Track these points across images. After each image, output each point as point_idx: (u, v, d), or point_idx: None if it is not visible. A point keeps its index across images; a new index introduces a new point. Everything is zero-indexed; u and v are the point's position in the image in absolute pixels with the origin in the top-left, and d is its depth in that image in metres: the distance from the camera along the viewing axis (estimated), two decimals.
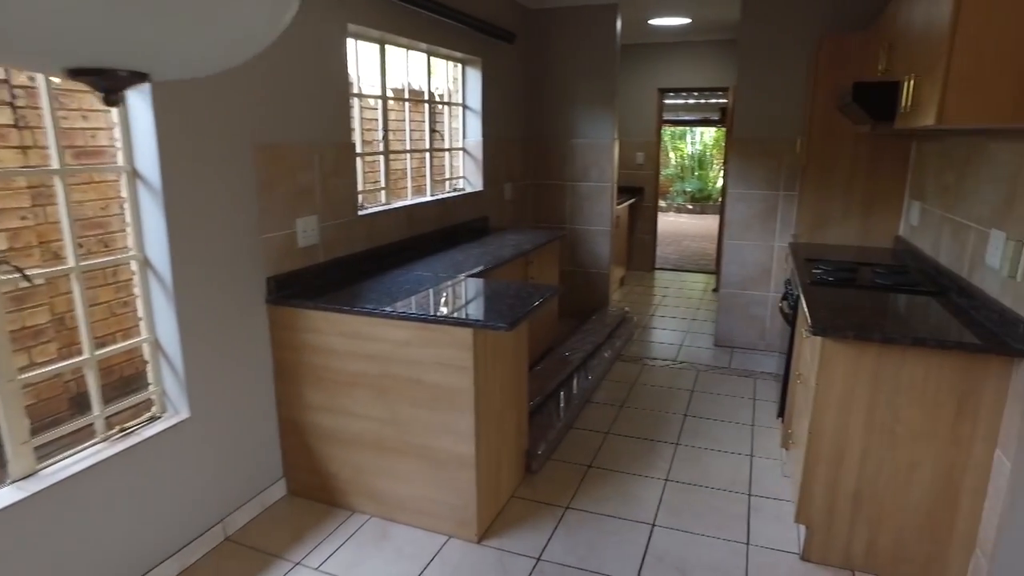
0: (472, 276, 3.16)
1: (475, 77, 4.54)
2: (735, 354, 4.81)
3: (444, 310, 2.56)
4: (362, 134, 3.49)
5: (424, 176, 4.21)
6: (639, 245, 7.70)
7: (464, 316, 2.43)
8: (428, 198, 4.14)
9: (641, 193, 7.51)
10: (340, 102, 3.06)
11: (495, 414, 2.66)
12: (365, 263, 3.27)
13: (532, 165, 5.49)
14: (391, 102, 3.80)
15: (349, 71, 3.13)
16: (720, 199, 9.79)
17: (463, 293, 2.83)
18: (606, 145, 5.24)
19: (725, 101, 10.80)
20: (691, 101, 10.84)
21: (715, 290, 6.70)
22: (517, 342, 2.85)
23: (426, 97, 4.12)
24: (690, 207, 15.63)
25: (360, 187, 3.51)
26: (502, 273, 3.58)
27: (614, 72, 5.13)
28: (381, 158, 3.70)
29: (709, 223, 14.07)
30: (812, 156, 3.92)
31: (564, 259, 5.57)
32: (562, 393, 3.87)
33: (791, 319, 3.10)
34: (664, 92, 7.46)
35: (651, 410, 3.83)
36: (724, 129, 15.54)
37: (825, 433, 2.35)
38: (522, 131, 5.31)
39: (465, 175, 4.67)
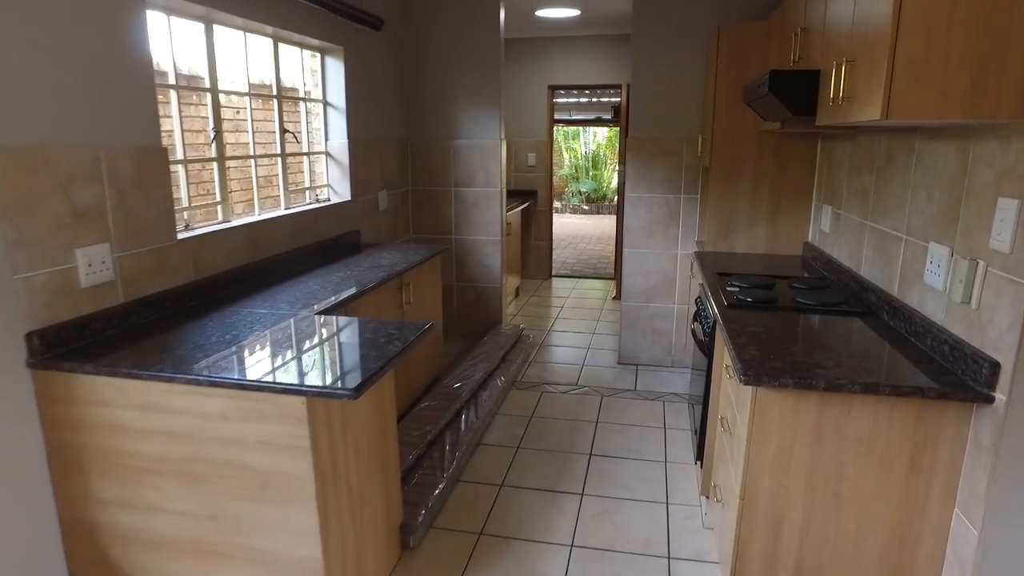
0: (327, 311, 2.55)
1: (337, 69, 3.89)
2: (641, 373, 4.42)
3: (273, 369, 1.93)
4: (183, 136, 2.78)
5: (278, 186, 3.53)
6: (534, 251, 7.27)
7: (296, 379, 1.82)
8: (282, 212, 3.47)
9: (534, 196, 7.07)
10: (141, 93, 2.36)
11: (350, 497, 2.06)
12: (189, 300, 2.58)
13: (411, 170, 4.90)
14: (236, 99, 3.10)
15: (154, 54, 2.42)
16: (616, 199, 9.54)
17: (306, 339, 2.21)
18: (493, 146, 4.73)
19: (619, 100, 10.65)
20: (583, 100, 10.56)
21: (615, 297, 6.37)
22: (380, 395, 2.27)
23: (274, 91, 3.44)
24: (586, 207, 15.50)
25: (185, 203, 2.80)
26: (369, 303, 2.98)
27: (498, 66, 4.62)
28: (215, 166, 3.00)
29: (605, 223, 13.97)
30: (715, 156, 3.57)
31: (451, 274, 5.01)
32: (448, 436, 3.31)
33: (707, 347, 2.69)
34: (555, 89, 7.06)
35: (552, 450, 3.34)
36: (618, 128, 15.55)
37: (760, 498, 1.92)
38: (398, 131, 4.71)
39: (330, 183, 4.02)
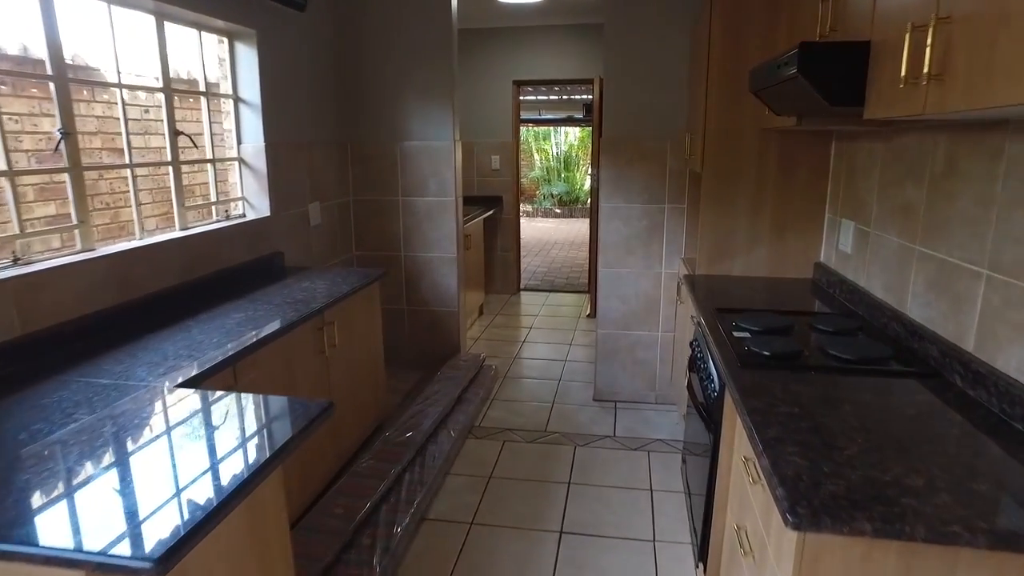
0: (202, 376, 1.86)
1: (249, 57, 3.20)
2: (620, 413, 3.79)
3: (42, 512, 1.23)
4: (2, 138, 2.08)
5: (171, 201, 2.82)
6: (500, 264, 6.61)
7: (71, 542, 1.12)
8: (176, 234, 2.77)
9: (499, 203, 6.42)
10: None
11: None
12: (3, 366, 1.88)
13: (352, 177, 4.22)
14: (114, 92, 2.40)
15: None
16: (589, 202, 8.93)
17: (131, 441, 1.51)
18: (446, 149, 4.07)
19: (591, 97, 10.03)
20: (553, 97, 9.93)
21: (590, 315, 5.74)
22: (253, 512, 1.59)
23: (160, 84, 2.74)
24: (558, 211, 14.89)
25: (15, 228, 2.10)
26: (274, 355, 2.30)
27: (451, 57, 3.96)
28: (67, 178, 2.29)
29: (578, 227, 13.38)
30: (707, 160, 2.95)
31: (400, 297, 4.34)
32: (383, 513, 2.64)
33: (709, 415, 2.06)
34: (521, 85, 6.41)
35: (513, 527, 2.69)
36: (591, 128, 14.95)
37: None
38: (334, 133, 4.02)
39: (245, 196, 3.32)
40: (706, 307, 2.46)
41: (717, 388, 1.98)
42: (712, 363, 2.08)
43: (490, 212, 6.03)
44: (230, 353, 2.04)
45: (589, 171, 5.40)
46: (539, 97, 9.90)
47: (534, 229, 12.63)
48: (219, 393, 1.73)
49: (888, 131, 2.21)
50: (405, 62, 3.98)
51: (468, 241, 5.09)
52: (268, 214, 3.30)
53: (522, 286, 6.96)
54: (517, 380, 4.33)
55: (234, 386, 2.05)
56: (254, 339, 2.18)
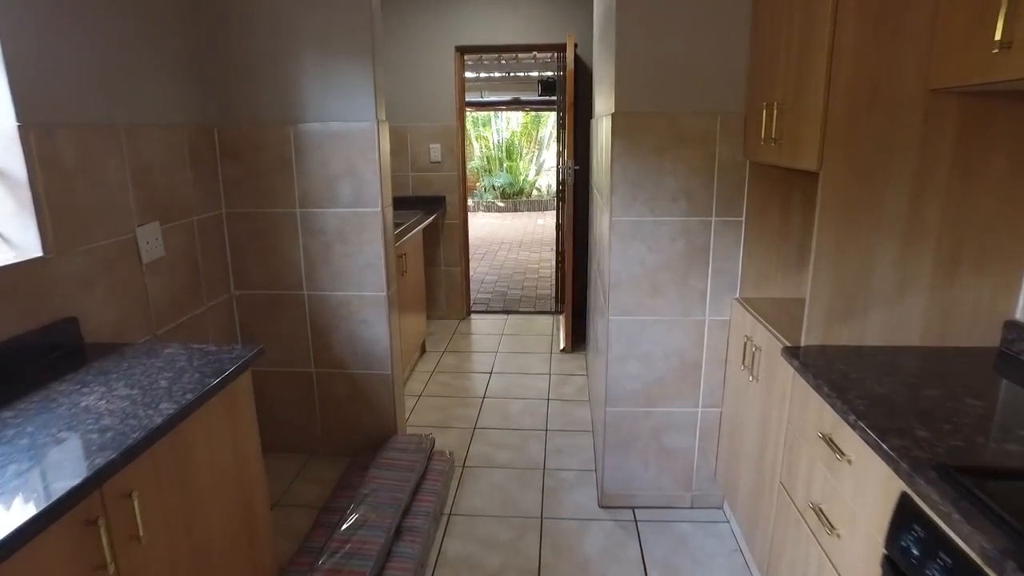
0: None
1: None
2: (646, 532, 2.50)
3: None
4: None
5: None
6: (445, 282, 5.22)
7: None
8: None
9: (442, 204, 5.02)
10: None
11: None
12: None
13: (222, 179, 2.76)
14: None
15: None
16: (556, 199, 7.48)
17: None
18: (365, 133, 2.66)
19: (551, 75, 8.60)
20: (498, 75, 8.53)
21: (566, 349, 4.45)
22: None
23: None
24: (501, 204, 13.56)
25: None
26: None
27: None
28: None
29: (524, 223, 12.12)
30: (833, 145, 1.65)
31: (305, 357, 2.93)
32: None
33: None
34: (466, 53, 5.02)
35: None
36: (537, 113, 13.56)
37: None
38: (182, 108, 2.55)
39: None
40: (916, 464, 1.17)
41: None
42: None
43: (431, 218, 4.63)
44: None
45: (564, 163, 4.06)
46: (481, 75, 8.50)
47: (477, 226, 11.27)
48: None
49: None
50: (297, 3, 2.55)
51: (403, 263, 3.69)
52: (40, 254, 1.82)
53: (472, 307, 5.59)
54: (482, 472, 2.98)
55: None
56: None
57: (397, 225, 3.65)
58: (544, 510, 2.66)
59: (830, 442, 1.49)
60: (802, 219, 2.31)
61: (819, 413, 1.58)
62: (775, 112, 1.91)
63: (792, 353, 1.75)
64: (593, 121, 3.89)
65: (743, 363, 2.21)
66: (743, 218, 2.33)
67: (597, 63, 3.40)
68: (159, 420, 1.37)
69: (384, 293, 2.83)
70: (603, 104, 2.88)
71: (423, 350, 4.51)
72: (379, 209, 2.73)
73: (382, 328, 2.87)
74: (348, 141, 2.67)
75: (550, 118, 13.97)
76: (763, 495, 2.01)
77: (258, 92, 2.67)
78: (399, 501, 2.50)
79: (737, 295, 2.39)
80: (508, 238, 10.34)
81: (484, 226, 11.48)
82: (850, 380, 1.54)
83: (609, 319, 2.46)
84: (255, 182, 2.76)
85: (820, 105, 1.64)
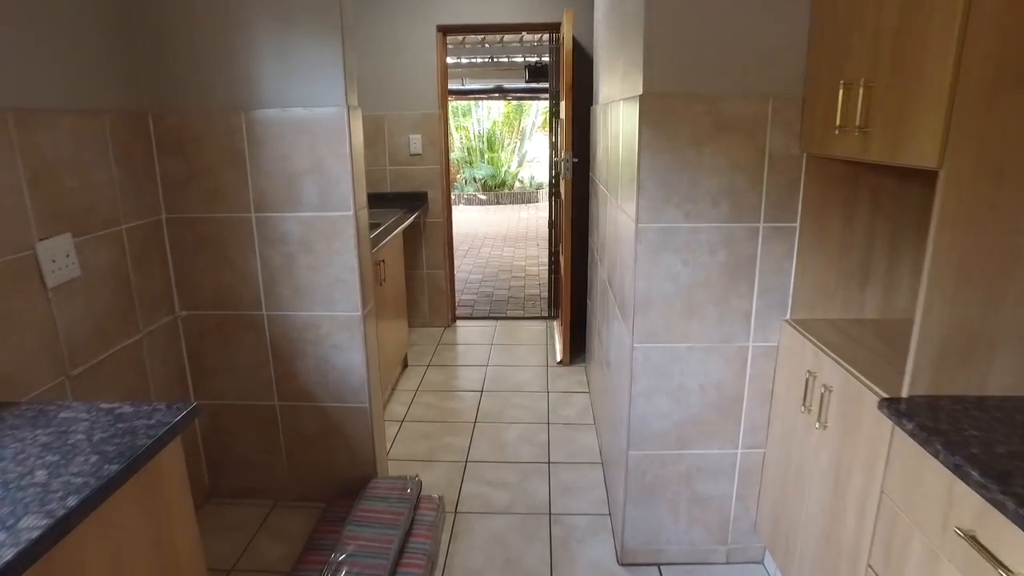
0: None
1: None
2: None
3: None
4: None
5: None
6: (428, 286, 4.76)
7: None
8: None
9: (423, 201, 4.56)
10: None
11: None
12: None
13: (161, 177, 2.28)
14: None
15: None
16: (550, 194, 6.99)
17: None
18: (333, 121, 2.20)
19: (538, 60, 8.12)
20: (479, 60, 8.04)
21: (561, 362, 4.02)
22: None
23: None
24: (483, 197, 13.08)
25: None
26: None
27: None
28: None
29: (507, 216, 11.68)
30: (959, 136, 1.23)
31: (268, 388, 2.47)
32: None
33: None
34: (448, 34, 4.54)
35: None
36: (520, 102, 13.05)
37: None
38: (105, 90, 2.06)
39: None
40: None
41: None
42: None
43: (412, 217, 4.16)
44: None
45: (562, 156, 3.60)
46: (462, 60, 8.00)
47: (458, 221, 10.79)
48: None
49: None
50: None
51: (382, 270, 3.24)
52: None
53: (457, 313, 5.14)
54: (477, 520, 2.54)
55: None
56: None
57: (374, 227, 3.19)
58: (554, 570, 2.23)
59: (977, 544, 1.08)
60: (868, 225, 1.90)
61: (947, 495, 1.16)
62: (860, 92, 1.48)
63: (897, 410, 1.33)
64: (595, 108, 3.45)
65: (804, 404, 1.80)
66: (797, 224, 1.91)
67: (605, 43, 2.96)
68: (10, 555, 0.91)
69: (359, 312, 2.37)
70: (616, 88, 2.45)
71: (405, 364, 4.05)
72: (351, 213, 2.27)
73: (357, 354, 2.41)
74: (313, 131, 2.20)
75: (533, 107, 13.50)
76: (838, 574, 1.60)
77: (202, 71, 2.18)
78: (382, 569, 2.06)
79: (787, 316, 1.97)
80: (491, 232, 9.88)
81: (466, 220, 11.00)
82: (997, 456, 1.13)
83: (633, 347, 2.03)
84: (201, 181, 2.28)
85: (945, 81, 1.21)
